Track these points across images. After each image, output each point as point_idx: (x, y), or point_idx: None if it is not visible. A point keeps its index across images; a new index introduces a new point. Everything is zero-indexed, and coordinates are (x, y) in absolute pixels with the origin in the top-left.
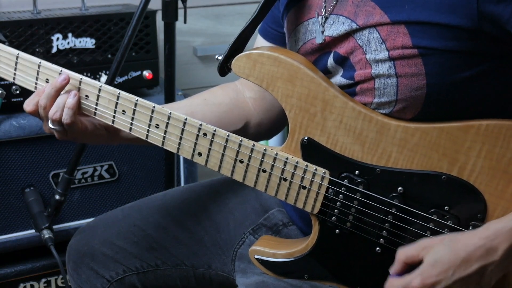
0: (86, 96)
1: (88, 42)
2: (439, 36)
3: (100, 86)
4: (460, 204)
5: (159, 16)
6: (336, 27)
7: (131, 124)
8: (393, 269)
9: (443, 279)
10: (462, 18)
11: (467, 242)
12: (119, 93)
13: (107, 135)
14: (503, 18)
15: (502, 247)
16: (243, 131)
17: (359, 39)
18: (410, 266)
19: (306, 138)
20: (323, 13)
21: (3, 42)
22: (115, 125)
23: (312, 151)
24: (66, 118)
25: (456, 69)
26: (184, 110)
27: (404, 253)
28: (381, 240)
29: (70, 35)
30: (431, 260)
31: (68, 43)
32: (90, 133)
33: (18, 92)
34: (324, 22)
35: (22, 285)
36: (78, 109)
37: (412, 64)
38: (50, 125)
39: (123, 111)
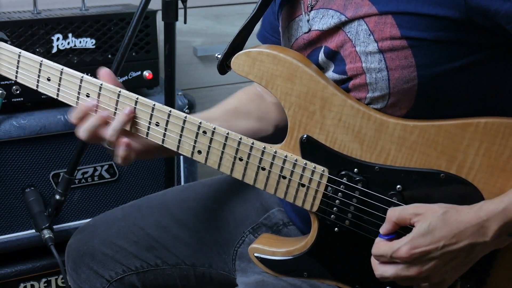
0: (87, 94)
1: (88, 42)
2: (428, 26)
3: (101, 84)
4: (459, 202)
5: (159, 16)
6: (326, 20)
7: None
8: (383, 228)
9: (431, 250)
10: (449, 9)
11: (460, 219)
12: (119, 91)
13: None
14: (491, 9)
15: (492, 228)
16: (275, 135)
17: (349, 31)
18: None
19: (305, 136)
20: (309, 3)
21: (5, 41)
22: None
23: (311, 149)
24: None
25: (446, 59)
26: (219, 123)
27: (395, 214)
28: None
29: (70, 35)
30: (422, 229)
31: (68, 43)
32: (146, 151)
33: (18, 92)
34: (310, 11)
35: (22, 285)
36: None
37: (402, 56)
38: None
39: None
